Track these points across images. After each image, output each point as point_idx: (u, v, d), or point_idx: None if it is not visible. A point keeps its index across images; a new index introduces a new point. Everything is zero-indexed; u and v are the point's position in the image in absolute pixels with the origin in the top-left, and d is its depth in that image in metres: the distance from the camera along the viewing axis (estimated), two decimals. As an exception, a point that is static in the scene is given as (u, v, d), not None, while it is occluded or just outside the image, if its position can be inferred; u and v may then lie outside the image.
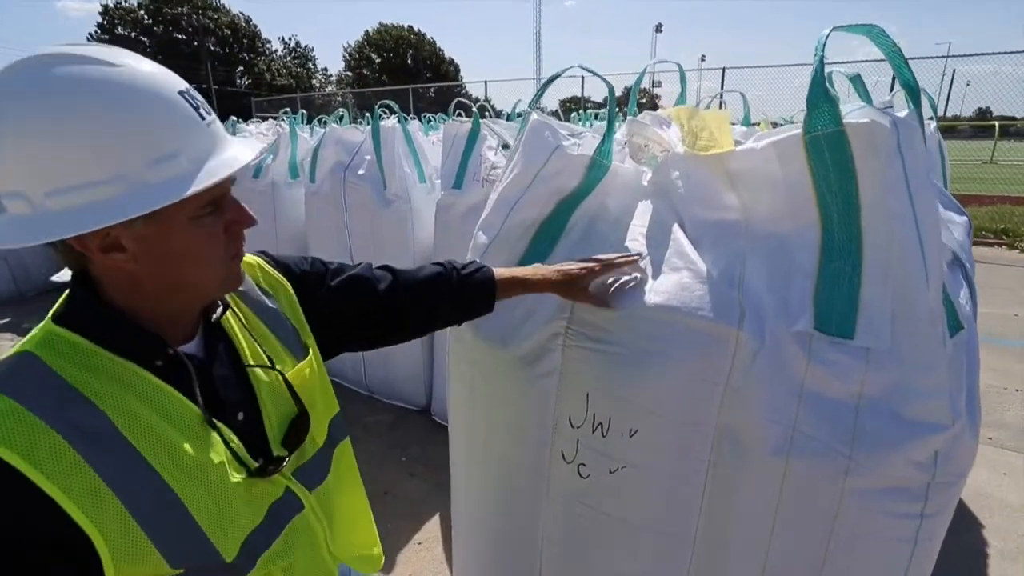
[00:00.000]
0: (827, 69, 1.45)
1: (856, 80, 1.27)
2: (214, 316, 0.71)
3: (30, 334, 0.61)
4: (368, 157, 2.99)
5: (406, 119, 3.25)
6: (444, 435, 1.54)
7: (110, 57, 0.54)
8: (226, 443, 0.65)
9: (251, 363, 0.72)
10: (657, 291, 1.01)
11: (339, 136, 3.14)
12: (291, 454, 0.73)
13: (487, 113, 3.06)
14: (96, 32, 33.95)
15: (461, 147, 2.68)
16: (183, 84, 0.58)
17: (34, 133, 0.51)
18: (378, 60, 40.34)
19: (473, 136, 2.66)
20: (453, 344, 1.33)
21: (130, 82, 0.53)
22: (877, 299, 0.89)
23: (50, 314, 0.62)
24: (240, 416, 0.70)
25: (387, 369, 3.22)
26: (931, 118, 2.03)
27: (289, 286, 0.84)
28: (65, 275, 0.63)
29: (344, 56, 41.76)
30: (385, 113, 3.16)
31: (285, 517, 0.72)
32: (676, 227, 1.08)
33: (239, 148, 0.61)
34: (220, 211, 0.62)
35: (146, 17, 34.19)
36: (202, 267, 0.62)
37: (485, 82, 14.78)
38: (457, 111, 3.16)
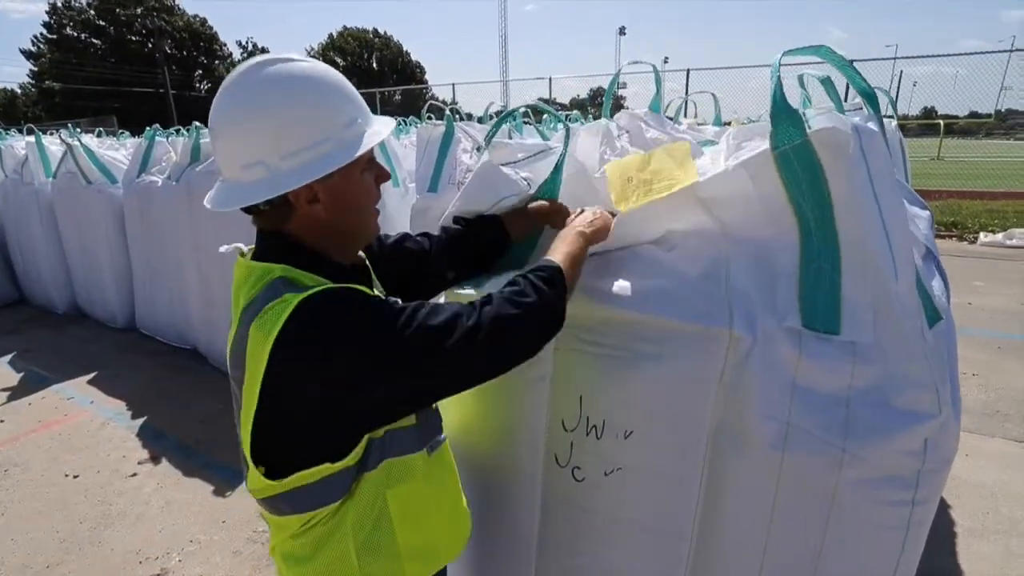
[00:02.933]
0: (800, 71, 1.49)
1: (827, 82, 1.30)
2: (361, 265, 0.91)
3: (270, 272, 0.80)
4: (340, 161, 2.93)
5: (378, 122, 3.19)
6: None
7: (316, 64, 0.77)
8: None
9: None
10: (646, 293, 1.02)
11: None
12: None
13: (458, 116, 3.04)
14: (43, 34, 32.37)
15: (435, 150, 2.65)
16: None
17: (281, 112, 0.72)
18: (342, 63, 39.74)
19: (447, 139, 2.63)
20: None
21: (333, 77, 0.78)
22: (858, 295, 0.91)
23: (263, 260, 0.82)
24: None
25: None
26: (890, 116, 2.12)
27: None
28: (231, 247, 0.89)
29: (307, 59, 40.96)
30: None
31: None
32: (655, 235, 1.08)
33: (387, 120, 0.84)
34: (372, 168, 0.83)
35: (97, 18, 32.81)
36: (365, 214, 0.85)
37: (453, 85, 14.75)
38: (428, 114, 3.13)
